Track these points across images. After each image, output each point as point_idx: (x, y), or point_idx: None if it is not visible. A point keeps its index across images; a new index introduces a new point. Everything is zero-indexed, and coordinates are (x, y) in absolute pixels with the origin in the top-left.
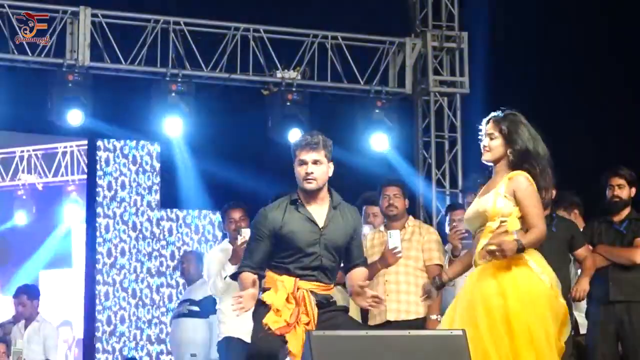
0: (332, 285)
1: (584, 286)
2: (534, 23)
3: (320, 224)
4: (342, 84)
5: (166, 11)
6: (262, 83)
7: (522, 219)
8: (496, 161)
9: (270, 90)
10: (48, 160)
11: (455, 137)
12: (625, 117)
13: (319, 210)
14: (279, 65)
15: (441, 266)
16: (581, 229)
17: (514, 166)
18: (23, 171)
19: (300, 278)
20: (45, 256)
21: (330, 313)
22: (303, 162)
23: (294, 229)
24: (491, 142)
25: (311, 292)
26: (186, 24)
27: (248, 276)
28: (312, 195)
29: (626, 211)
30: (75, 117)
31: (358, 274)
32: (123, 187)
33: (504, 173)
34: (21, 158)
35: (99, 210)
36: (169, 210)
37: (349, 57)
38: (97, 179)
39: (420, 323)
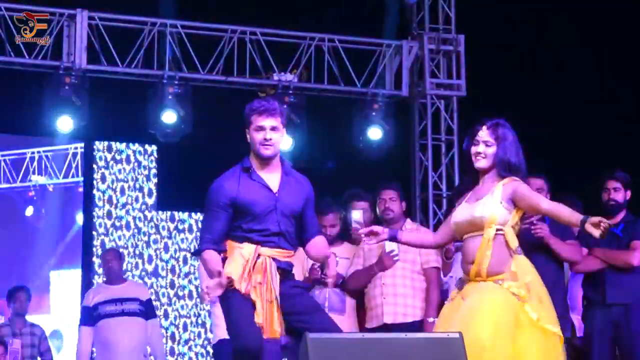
0: (292, 252)
1: None
2: (531, 25)
3: (275, 189)
4: (339, 87)
5: (163, 14)
6: (259, 86)
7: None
8: (490, 169)
9: (267, 92)
10: (58, 162)
11: (452, 139)
12: (622, 119)
13: (272, 177)
14: (275, 68)
15: (438, 269)
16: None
17: (502, 175)
18: (34, 172)
19: (262, 245)
20: (56, 257)
21: (292, 289)
22: (261, 128)
23: (249, 196)
24: (487, 149)
25: (273, 259)
26: (183, 27)
27: (213, 254)
28: (266, 161)
29: (622, 214)
30: (71, 119)
31: (319, 243)
32: (120, 189)
33: (494, 180)
34: (32, 159)
35: (96, 211)
36: (165, 212)
37: (346, 60)
38: (93, 181)
39: (417, 326)
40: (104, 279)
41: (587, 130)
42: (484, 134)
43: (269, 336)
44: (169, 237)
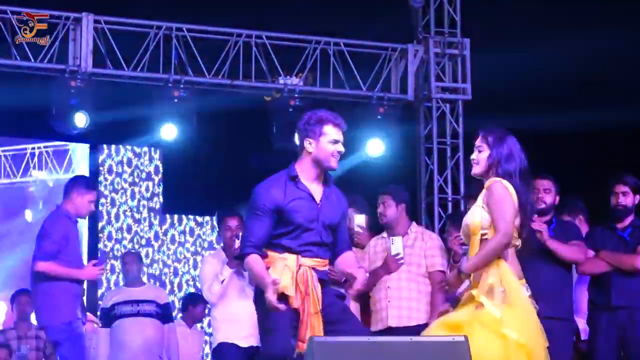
0: (327, 261)
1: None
2: (536, 28)
3: (318, 200)
4: (345, 90)
5: (169, 17)
6: (264, 89)
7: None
8: (484, 174)
9: (273, 96)
10: (59, 157)
11: (457, 143)
12: (633, 124)
13: (316, 188)
14: (281, 72)
15: (444, 272)
16: (584, 234)
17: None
18: (34, 168)
19: (301, 255)
20: None
21: (329, 298)
22: (336, 141)
23: (295, 204)
24: (479, 155)
25: (313, 269)
26: (189, 30)
27: (257, 259)
28: (316, 172)
29: (630, 218)
30: (77, 123)
31: (349, 258)
32: (125, 193)
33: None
34: (32, 155)
35: (100, 214)
36: (170, 216)
37: (352, 64)
38: (98, 185)
39: (422, 329)
40: (123, 282)
41: (595, 132)
42: (477, 140)
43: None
44: (173, 241)
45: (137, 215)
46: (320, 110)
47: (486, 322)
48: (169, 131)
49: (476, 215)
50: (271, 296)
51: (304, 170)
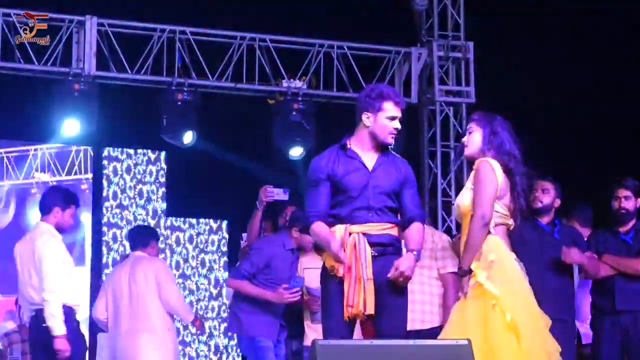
0: (391, 225)
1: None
2: (540, 33)
3: (370, 167)
4: (348, 94)
5: (172, 20)
6: (268, 92)
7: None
8: (475, 156)
9: (276, 99)
10: (62, 159)
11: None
12: (635, 127)
13: (370, 156)
14: (285, 75)
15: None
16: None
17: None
18: (37, 169)
19: (351, 222)
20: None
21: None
22: (393, 118)
23: (343, 172)
24: (469, 136)
25: (364, 234)
26: (192, 34)
27: (321, 225)
28: (371, 144)
29: (632, 222)
30: (81, 125)
31: (411, 232)
32: (129, 196)
33: None
34: (35, 156)
35: (105, 219)
36: (174, 219)
37: (355, 67)
38: (102, 188)
39: (436, 332)
40: None
41: (597, 135)
42: (469, 125)
43: (355, 314)
44: (178, 244)
45: (140, 218)
46: (382, 84)
47: (479, 295)
48: (172, 134)
49: (466, 197)
50: (335, 249)
51: (359, 141)
